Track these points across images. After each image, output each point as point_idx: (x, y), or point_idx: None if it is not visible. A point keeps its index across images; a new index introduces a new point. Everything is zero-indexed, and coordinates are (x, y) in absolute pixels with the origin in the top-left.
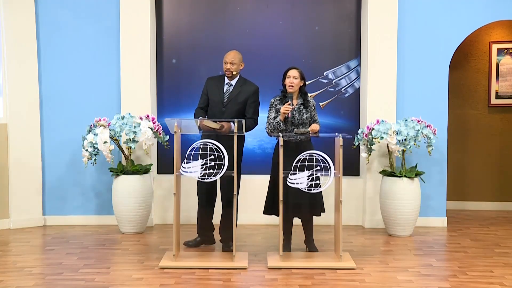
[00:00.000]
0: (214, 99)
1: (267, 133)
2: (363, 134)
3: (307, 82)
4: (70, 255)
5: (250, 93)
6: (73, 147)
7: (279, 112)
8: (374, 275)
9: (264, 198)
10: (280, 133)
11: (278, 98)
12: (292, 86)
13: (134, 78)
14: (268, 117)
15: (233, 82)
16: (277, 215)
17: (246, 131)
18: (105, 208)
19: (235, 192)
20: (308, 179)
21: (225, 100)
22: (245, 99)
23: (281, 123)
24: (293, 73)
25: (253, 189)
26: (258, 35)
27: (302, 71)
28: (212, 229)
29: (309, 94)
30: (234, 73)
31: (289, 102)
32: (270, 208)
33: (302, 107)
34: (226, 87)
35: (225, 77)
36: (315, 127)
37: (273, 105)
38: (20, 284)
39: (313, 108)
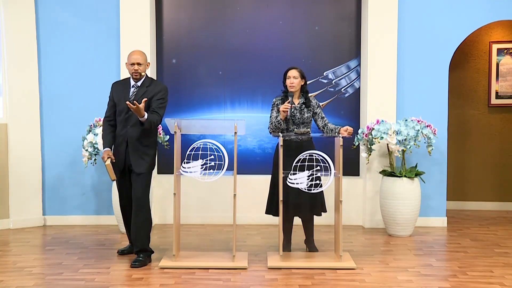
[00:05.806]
0: (120, 106)
1: (270, 132)
2: (363, 134)
3: (307, 82)
4: (70, 255)
5: (156, 92)
6: (73, 147)
7: None
8: (374, 275)
9: (264, 198)
10: (280, 133)
11: (280, 98)
12: (293, 86)
13: None
14: (270, 116)
15: (139, 83)
16: (278, 215)
17: (151, 126)
18: (105, 208)
19: (235, 192)
20: (308, 179)
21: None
22: (150, 98)
23: (282, 122)
24: (293, 73)
25: (253, 189)
26: (258, 35)
27: (302, 70)
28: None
29: (309, 94)
30: (142, 73)
31: (289, 100)
32: (271, 207)
33: (303, 106)
34: (132, 90)
35: (131, 80)
36: (348, 129)
37: (275, 105)
38: (20, 284)
39: (317, 106)
